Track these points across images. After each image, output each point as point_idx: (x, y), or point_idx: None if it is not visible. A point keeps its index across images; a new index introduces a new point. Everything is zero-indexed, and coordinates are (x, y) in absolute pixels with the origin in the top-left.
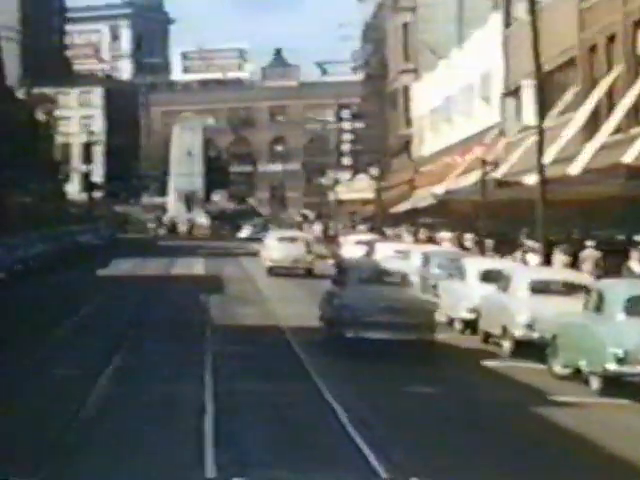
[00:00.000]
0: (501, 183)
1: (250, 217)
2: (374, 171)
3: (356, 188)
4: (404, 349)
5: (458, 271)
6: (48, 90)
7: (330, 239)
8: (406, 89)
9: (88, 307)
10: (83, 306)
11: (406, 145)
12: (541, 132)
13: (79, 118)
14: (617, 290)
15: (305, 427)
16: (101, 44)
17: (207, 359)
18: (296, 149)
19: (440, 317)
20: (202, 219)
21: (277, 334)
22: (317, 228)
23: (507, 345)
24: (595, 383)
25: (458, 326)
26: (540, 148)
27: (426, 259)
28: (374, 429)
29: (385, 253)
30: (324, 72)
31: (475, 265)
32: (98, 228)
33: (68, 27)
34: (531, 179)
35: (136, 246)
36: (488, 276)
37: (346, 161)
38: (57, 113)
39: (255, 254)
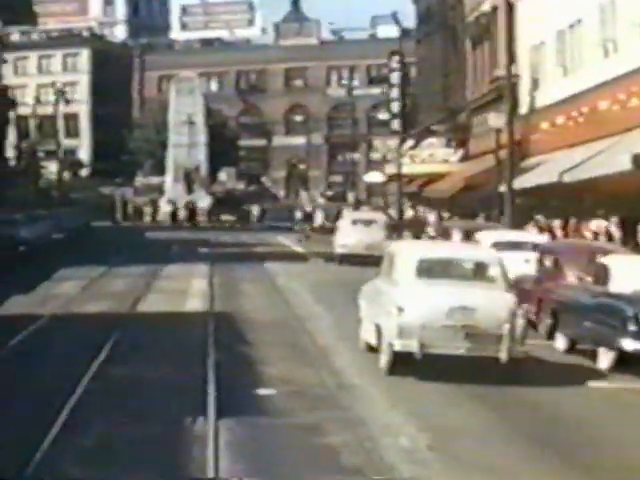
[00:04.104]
0: None
1: (263, 200)
2: (496, 120)
3: (424, 159)
4: None
5: None
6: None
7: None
8: (510, 8)
9: None
10: None
11: (511, 91)
12: None
13: (62, 85)
14: None
15: None
16: (90, 5)
17: None
18: (317, 119)
19: None
20: (204, 202)
21: None
22: None
23: None
24: None
25: None
26: None
27: None
28: None
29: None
30: (340, 40)
31: None
32: (60, 216)
33: None
34: None
35: (111, 241)
36: None
37: (396, 125)
38: (37, 80)
39: (293, 256)
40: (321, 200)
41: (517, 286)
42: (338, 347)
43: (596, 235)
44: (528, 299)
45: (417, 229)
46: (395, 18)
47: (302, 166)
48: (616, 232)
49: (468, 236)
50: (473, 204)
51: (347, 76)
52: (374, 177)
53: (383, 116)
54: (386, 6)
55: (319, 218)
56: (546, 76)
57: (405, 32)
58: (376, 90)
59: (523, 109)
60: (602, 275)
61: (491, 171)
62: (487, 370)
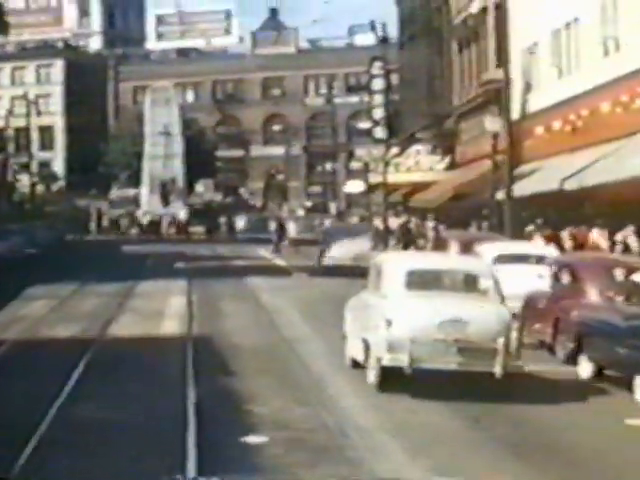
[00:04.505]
0: None
1: (241, 211)
2: (492, 123)
3: (409, 167)
4: None
5: None
6: None
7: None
8: (499, 8)
9: None
10: None
11: (495, 96)
12: None
13: (35, 97)
14: None
15: None
16: (65, 16)
17: None
18: (296, 129)
19: None
20: (182, 214)
21: None
22: None
23: None
24: None
25: None
26: None
27: None
28: None
29: None
30: (318, 49)
31: None
32: (33, 230)
33: None
34: None
35: (87, 256)
36: None
37: (379, 133)
38: (11, 92)
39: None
40: (301, 211)
41: (529, 304)
42: (335, 377)
43: (613, 245)
44: (542, 319)
45: (407, 239)
46: (372, 26)
47: (281, 177)
48: (634, 242)
49: (467, 248)
50: (462, 214)
51: (325, 85)
52: (354, 187)
53: (364, 124)
54: (364, 15)
55: (292, 230)
56: (540, 79)
57: (384, 40)
58: (355, 99)
59: (515, 114)
60: (637, 294)
61: (482, 179)
62: (498, 399)
